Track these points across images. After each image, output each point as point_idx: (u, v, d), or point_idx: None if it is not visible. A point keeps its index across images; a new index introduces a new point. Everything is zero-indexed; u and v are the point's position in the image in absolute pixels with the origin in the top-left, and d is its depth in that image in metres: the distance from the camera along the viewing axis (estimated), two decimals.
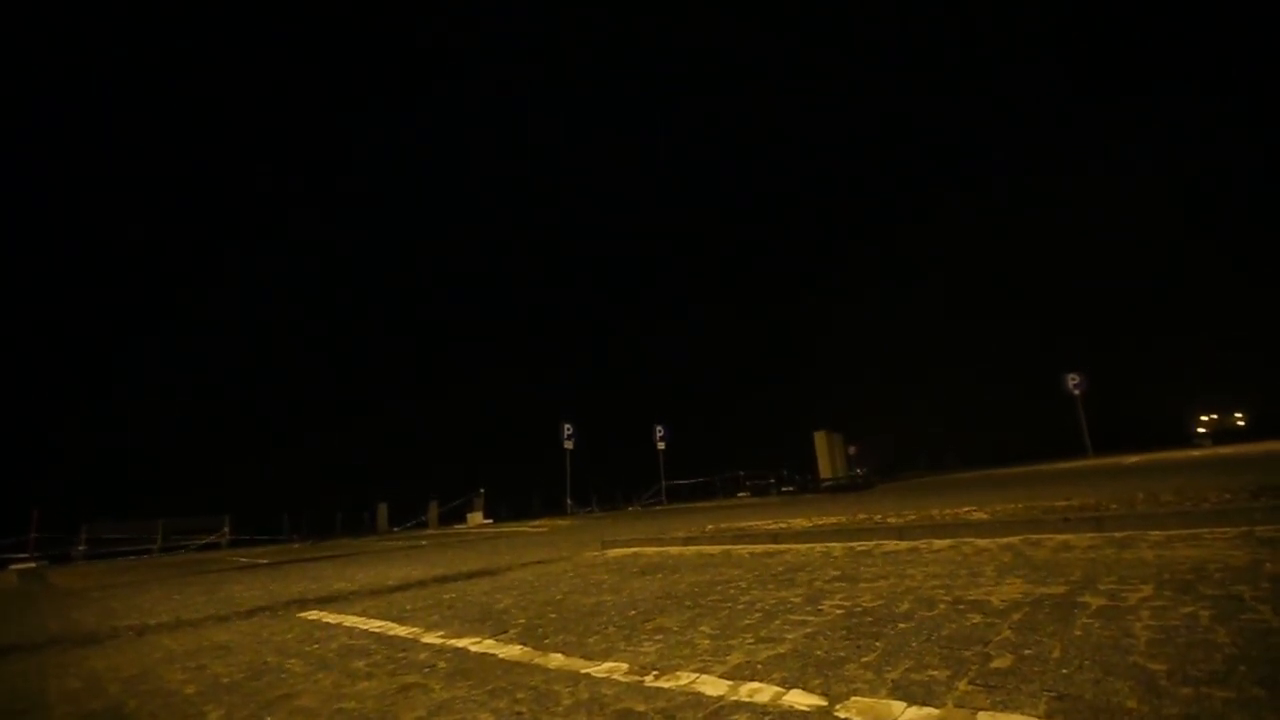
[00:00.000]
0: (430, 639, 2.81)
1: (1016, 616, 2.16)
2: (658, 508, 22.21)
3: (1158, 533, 3.67)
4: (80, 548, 17.77)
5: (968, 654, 1.80)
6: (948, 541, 4.34)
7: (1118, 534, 3.79)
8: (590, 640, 2.48)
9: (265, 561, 10.73)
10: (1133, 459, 18.62)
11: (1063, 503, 5.14)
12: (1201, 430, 31.12)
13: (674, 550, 5.81)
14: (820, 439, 24.49)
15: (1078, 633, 1.89)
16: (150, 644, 3.39)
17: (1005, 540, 4.09)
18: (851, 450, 26.73)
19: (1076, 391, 24.77)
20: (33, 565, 14.76)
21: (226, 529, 20.82)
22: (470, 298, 54.02)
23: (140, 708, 2.11)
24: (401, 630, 3.10)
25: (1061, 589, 2.51)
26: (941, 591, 2.72)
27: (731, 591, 3.29)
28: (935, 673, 1.67)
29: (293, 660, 2.64)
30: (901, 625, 2.21)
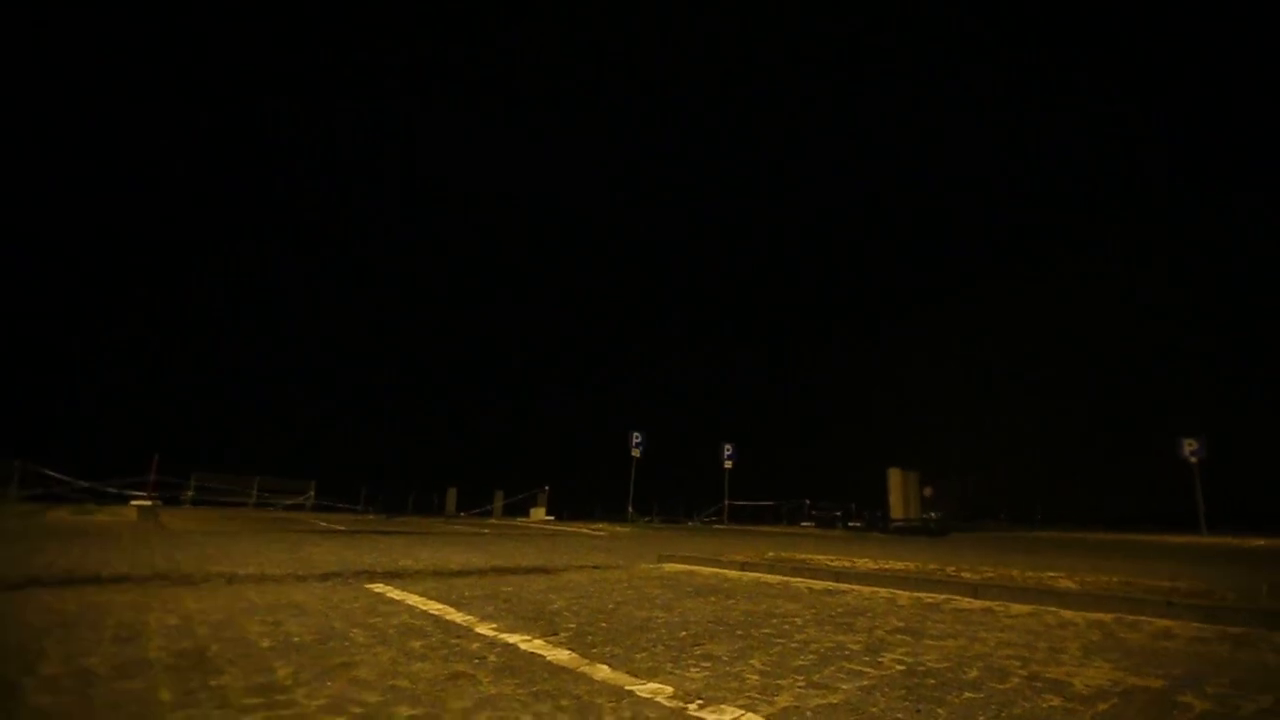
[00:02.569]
0: (484, 630, 2.89)
1: (1102, 707, 1.96)
2: (718, 526, 21.89)
3: None
4: (189, 493, 19.62)
5: None
6: (1028, 608, 4.01)
7: (1233, 629, 3.37)
8: (638, 656, 2.47)
9: (342, 529, 11.42)
10: (1258, 542, 16.57)
11: (1167, 583, 4.64)
12: None
13: (731, 574, 5.70)
14: (894, 476, 23.39)
15: None
16: (237, 593, 3.68)
17: (1095, 616, 3.73)
18: (927, 491, 25.32)
19: (1194, 459, 22.33)
20: (149, 504, 16.44)
21: (311, 493, 22.36)
22: (564, 307, 55.58)
23: (221, 653, 2.29)
24: (458, 617, 3.20)
25: (1159, 683, 2.26)
26: (1016, 663, 2.51)
27: (786, 627, 3.18)
28: None
29: (357, 630, 2.78)
30: (968, 694, 2.06)
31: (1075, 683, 2.24)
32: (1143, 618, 3.68)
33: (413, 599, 3.72)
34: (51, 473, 16.75)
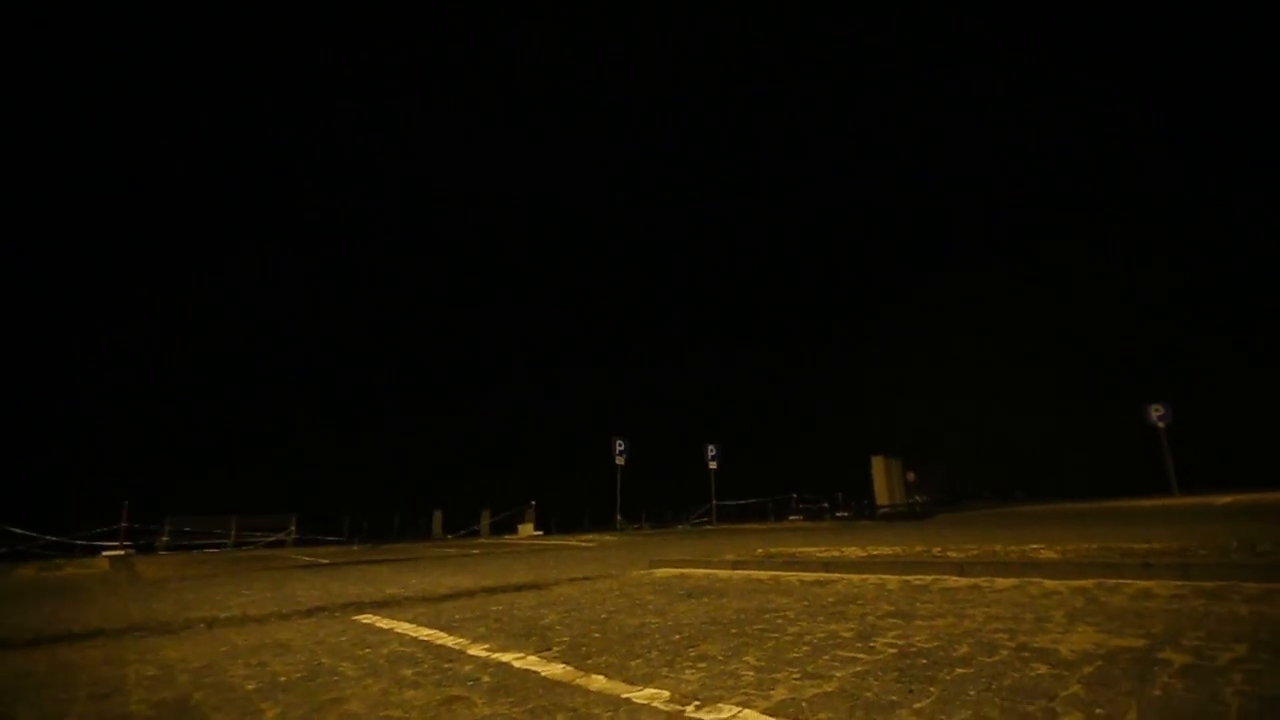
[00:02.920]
0: (476, 651, 2.85)
1: (1088, 670, 2.01)
2: (707, 528, 21.92)
3: (1254, 585, 3.35)
4: (164, 538, 19.03)
5: (1032, 708, 1.68)
6: (1012, 581, 4.09)
7: (1207, 584, 3.48)
8: (633, 664, 2.46)
9: (326, 562, 11.17)
10: (1225, 499, 17.14)
11: (1143, 545, 4.77)
12: None
13: (722, 574, 5.71)
14: (878, 464, 23.71)
15: (1157, 693, 1.75)
16: (218, 637, 3.58)
17: (1077, 583, 3.82)
18: (910, 477, 25.72)
19: (1161, 424, 23.07)
20: (122, 553, 15.87)
21: (293, 527, 21.84)
22: (532, 312, 55.16)
23: (205, 700, 2.23)
24: (449, 640, 3.16)
25: (1140, 642, 2.32)
26: (1004, 636, 2.56)
27: (779, 621, 3.20)
28: None
29: (345, 663, 2.73)
30: (959, 670, 2.09)
31: (1061, 649, 2.29)
32: (1122, 580, 3.78)
33: (402, 627, 3.66)
34: (14, 529, 16.09)
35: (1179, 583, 3.59)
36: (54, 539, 16.77)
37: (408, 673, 2.50)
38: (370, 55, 47.04)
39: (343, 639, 3.34)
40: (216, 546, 19.40)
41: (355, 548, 17.87)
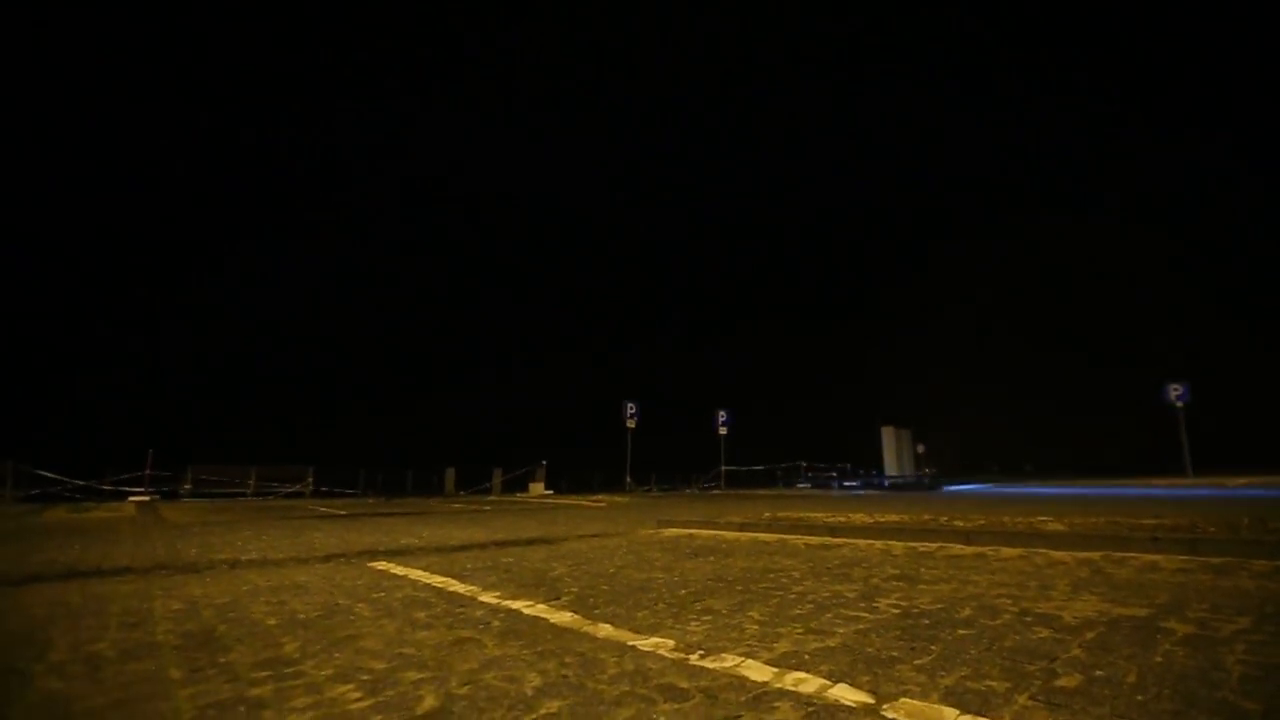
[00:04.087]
0: (487, 598, 2.94)
1: (1090, 635, 2.03)
2: (715, 492, 22.17)
3: (1263, 562, 3.34)
4: (187, 486, 19.63)
5: (1031, 668, 1.71)
6: (1018, 551, 4.11)
7: (1215, 559, 3.48)
8: (639, 615, 2.52)
9: (343, 513, 11.48)
10: (1239, 481, 16.99)
11: (1152, 521, 4.76)
12: None
13: (729, 535, 5.79)
14: (888, 434, 23.70)
15: (1159, 659, 1.76)
16: (240, 578, 3.71)
17: (1084, 555, 3.83)
18: (920, 449, 25.71)
19: (1179, 404, 22.74)
20: (147, 499, 16.43)
21: (310, 479, 22.41)
22: (551, 279, 55.11)
23: (228, 632, 2.32)
24: (461, 587, 3.25)
25: (1144, 611, 2.34)
26: (1008, 601, 2.59)
27: (784, 580, 3.25)
28: (993, 683, 1.60)
29: (361, 605, 2.82)
30: (961, 631, 2.12)
31: (1064, 615, 2.31)
32: (1129, 554, 3.79)
33: (415, 574, 3.77)
34: (46, 473, 16.65)
35: (1186, 557, 3.59)
36: (82, 483, 17.35)
37: (421, 615, 2.58)
38: (370, 55, 46.21)
39: (359, 583, 3.45)
40: (237, 495, 19.98)
41: (370, 501, 18.32)
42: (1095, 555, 3.80)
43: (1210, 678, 1.60)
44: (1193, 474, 21.48)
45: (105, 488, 17.64)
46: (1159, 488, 15.53)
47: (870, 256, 55.22)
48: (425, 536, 6.24)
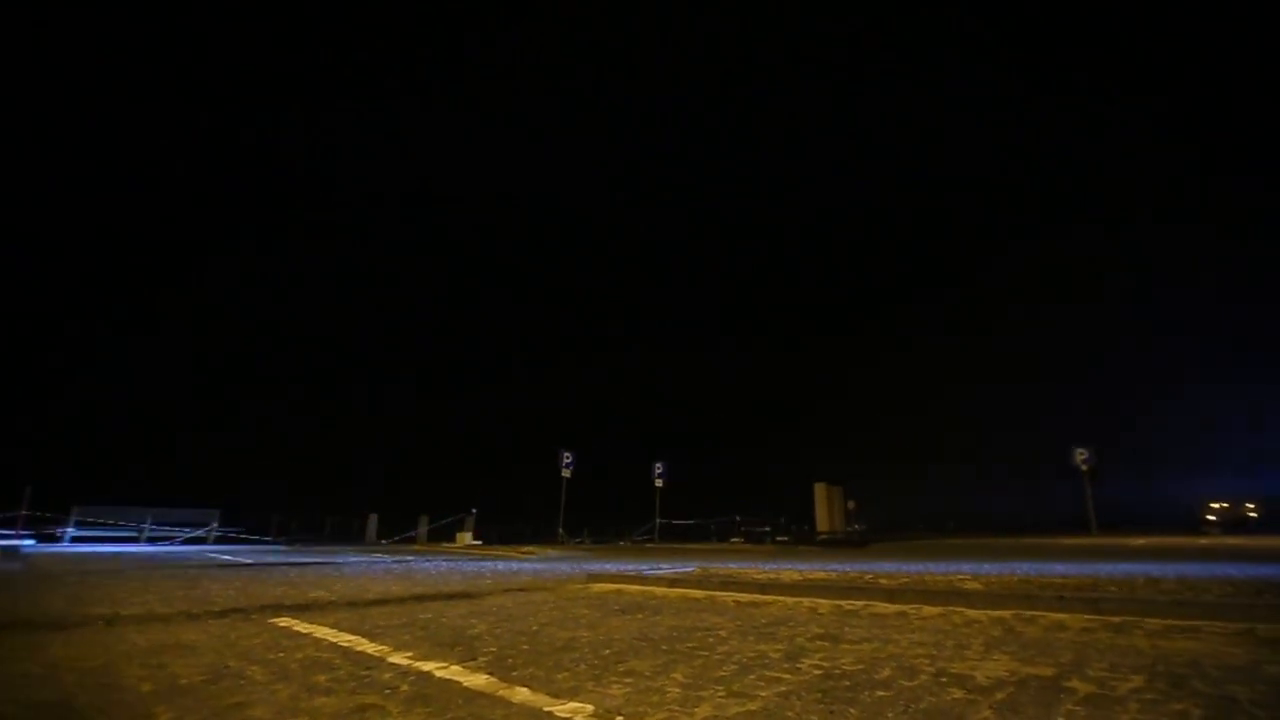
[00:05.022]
0: (397, 659, 2.74)
1: (1000, 696, 2.08)
2: (649, 544, 21.85)
3: (1155, 620, 3.54)
4: (68, 529, 17.69)
5: None
6: (938, 609, 4.21)
7: (1114, 618, 3.67)
8: (559, 676, 2.41)
9: (249, 562, 10.61)
10: (1139, 541, 18.19)
11: (1060, 579, 5.00)
12: (1211, 518, 30.39)
13: (658, 590, 5.68)
14: (820, 490, 24.16)
15: (1061, 719, 1.82)
16: (116, 636, 3.33)
17: (997, 613, 3.97)
18: (851, 505, 26.31)
19: (1084, 467, 24.37)
20: (17, 543, 14.66)
21: (215, 524, 20.68)
22: (483, 317, 54.32)
23: (90, 703, 2.06)
24: (370, 647, 3.03)
25: (1050, 671, 2.42)
26: (925, 661, 2.63)
27: (710, 640, 3.20)
28: None
29: (254, 667, 2.57)
30: (879, 693, 2.13)
31: (977, 675, 2.36)
32: (1038, 612, 3.94)
33: (321, 631, 3.49)
34: None
35: (1090, 616, 3.77)
36: None
37: (321, 679, 2.38)
38: (370, 55, 46.28)
39: (255, 642, 3.16)
40: (128, 540, 18.18)
41: (282, 548, 17.06)
42: (1007, 614, 3.94)
43: None
44: (1098, 533, 22.86)
45: None
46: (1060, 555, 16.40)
47: (810, 313, 57.11)
48: (338, 589, 5.82)
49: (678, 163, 59.43)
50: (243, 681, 2.34)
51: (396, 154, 52.45)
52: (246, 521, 22.02)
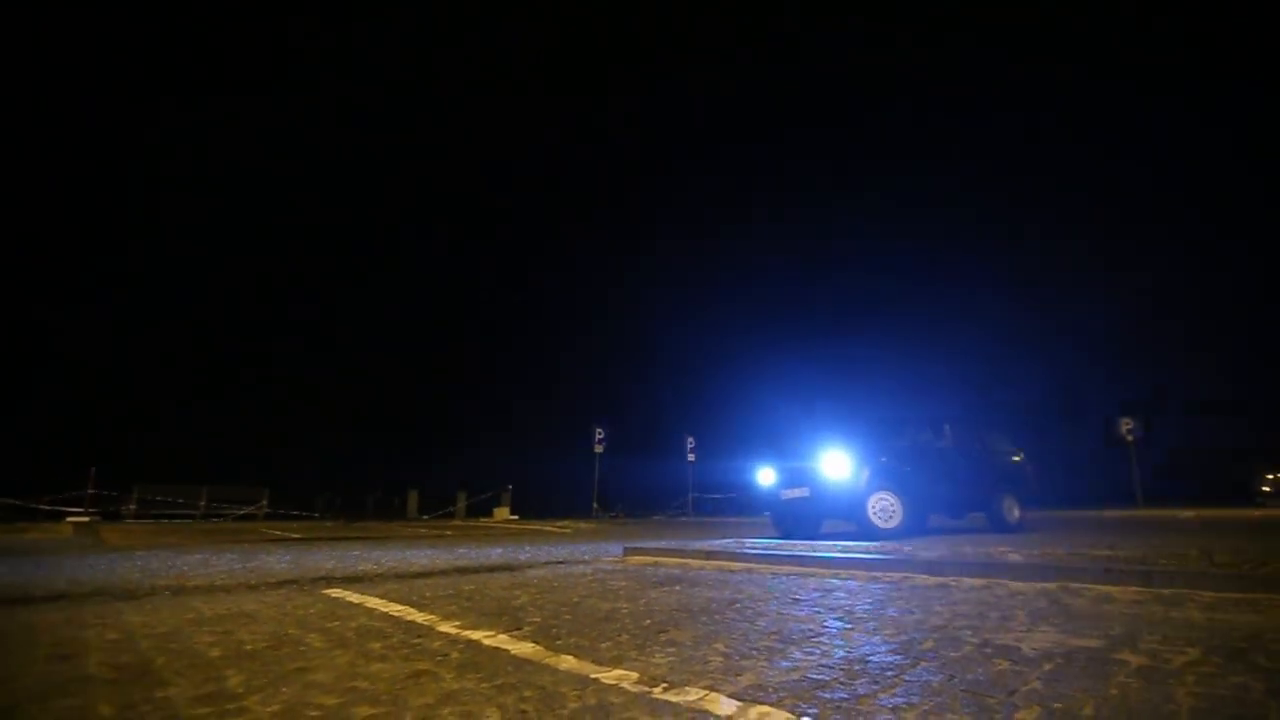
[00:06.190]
0: (446, 628, 2.85)
1: (1047, 667, 2.06)
2: (683, 519, 22.05)
3: (1210, 593, 3.44)
4: (131, 506, 18.70)
5: (992, 701, 1.72)
6: (981, 581, 4.17)
7: (1165, 590, 3.58)
8: (603, 646, 2.47)
9: (297, 537, 11.07)
10: (1188, 513, 17.62)
11: (1107, 552, 4.89)
12: (1266, 489, 29.19)
13: (695, 563, 5.75)
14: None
15: (1113, 691, 1.79)
16: (184, 605, 3.53)
17: (1041, 585, 3.90)
18: None
19: (1130, 438, 23.59)
20: (86, 520, 15.58)
21: (264, 502, 21.59)
22: (517, 297, 54.83)
23: (167, 664, 2.19)
24: (419, 616, 3.14)
25: (1099, 643, 2.38)
26: (969, 633, 2.61)
27: (749, 612, 3.23)
28: (955, 717, 1.60)
29: (313, 635, 2.70)
30: (924, 664, 2.13)
31: (1023, 647, 2.34)
32: (1085, 584, 3.87)
33: (372, 601, 3.63)
34: None
35: (1139, 588, 3.68)
36: (17, 502, 16.41)
37: (376, 646, 2.48)
38: (370, 55, 46.41)
39: (311, 611, 3.31)
40: (185, 517, 19.12)
41: (328, 524, 17.73)
42: (1053, 586, 3.88)
43: (1162, 710, 1.63)
44: (1144, 505, 22.21)
45: (41, 507, 16.70)
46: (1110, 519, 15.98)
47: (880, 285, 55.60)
48: (384, 562, 6.04)
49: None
50: (303, 648, 2.46)
51: (396, 151, 52.15)
52: (293, 499, 22.92)
